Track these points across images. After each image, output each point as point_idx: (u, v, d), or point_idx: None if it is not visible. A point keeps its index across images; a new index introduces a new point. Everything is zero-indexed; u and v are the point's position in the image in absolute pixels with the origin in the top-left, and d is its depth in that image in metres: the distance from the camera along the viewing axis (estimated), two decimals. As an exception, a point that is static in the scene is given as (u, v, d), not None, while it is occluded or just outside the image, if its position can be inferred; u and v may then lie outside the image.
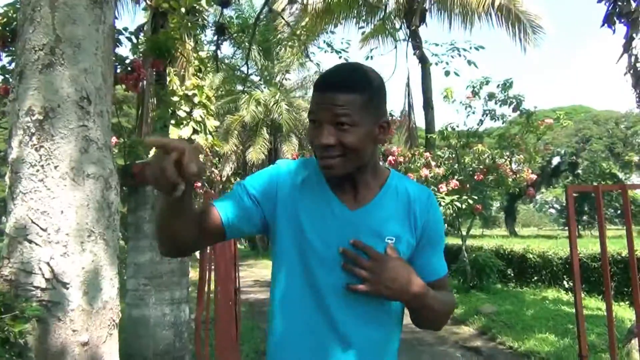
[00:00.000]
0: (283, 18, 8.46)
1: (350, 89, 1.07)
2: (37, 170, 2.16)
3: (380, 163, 1.29)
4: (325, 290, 1.14)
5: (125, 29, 4.22)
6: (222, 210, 1.15)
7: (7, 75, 3.73)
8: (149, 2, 5.48)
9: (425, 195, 1.24)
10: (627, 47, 5.08)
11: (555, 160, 32.97)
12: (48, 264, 2.11)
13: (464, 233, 9.96)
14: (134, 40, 4.51)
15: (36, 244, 2.12)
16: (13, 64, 3.20)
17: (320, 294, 1.14)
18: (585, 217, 31.83)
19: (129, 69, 3.93)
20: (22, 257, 2.11)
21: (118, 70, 3.88)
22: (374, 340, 1.16)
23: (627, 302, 7.51)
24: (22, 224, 2.13)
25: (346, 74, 1.12)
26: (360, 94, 1.08)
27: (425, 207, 1.21)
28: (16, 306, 1.99)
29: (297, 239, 1.16)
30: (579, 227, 31.87)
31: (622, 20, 5.12)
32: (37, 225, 2.12)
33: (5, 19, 3.57)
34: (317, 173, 1.20)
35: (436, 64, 7.79)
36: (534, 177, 9.33)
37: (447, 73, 7.37)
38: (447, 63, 7.44)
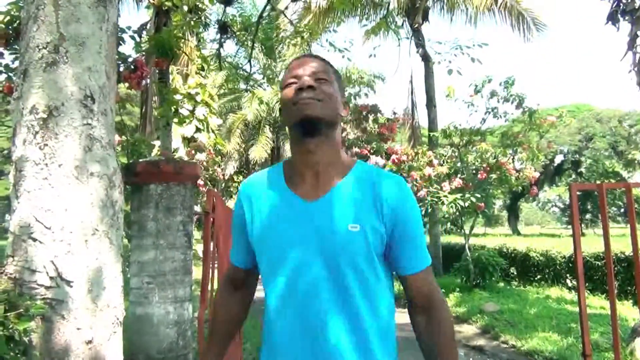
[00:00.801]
0: (286, 16, 8.44)
1: (322, 60, 1.26)
2: (41, 169, 2.16)
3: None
4: (293, 289, 1.14)
5: (129, 27, 4.22)
6: (235, 259, 1.37)
7: (10, 74, 3.73)
8: (151, 1, 5.48)
9: (393, 181, 1.19)
10: (631, 44, 5.07)
11: (558, 159, 32.87)
12: (52, 262, 2.11)
13: (467, 232, 9.94)
14: (137, 39, 4.51)
15: (40, 243, 2.12)
16: (17, 63, 3.21)
17: (290, 294, 1.14)
18: (588, 216, 31.76)
19: (132, 67, 3.93)
20: (27, 256, 2.11)
21: (121, 69, 3.88)
22: (354, 329, 1.13)
23: (630, 301, 7.50)
24: (26, 222, 2.13)
25: (314, 55, 1.31)
26: (329, 66, 1.26)
27: (393, 193, 1.16)
28: (20, 304, 1.99)
29: (258, 245, 1.21)
30: (582, 225, 31.77)
31: (626, 18, 5.10)
32: (42, 223, 2.13)
33: (8, 17, 3.58)
34: (275, 175, 1.25)
35: (439, 62, 7.77)
36: (537, 175, 9.31)
37: (450, 72, 7.37)
38: (449, 62, 7.43)
